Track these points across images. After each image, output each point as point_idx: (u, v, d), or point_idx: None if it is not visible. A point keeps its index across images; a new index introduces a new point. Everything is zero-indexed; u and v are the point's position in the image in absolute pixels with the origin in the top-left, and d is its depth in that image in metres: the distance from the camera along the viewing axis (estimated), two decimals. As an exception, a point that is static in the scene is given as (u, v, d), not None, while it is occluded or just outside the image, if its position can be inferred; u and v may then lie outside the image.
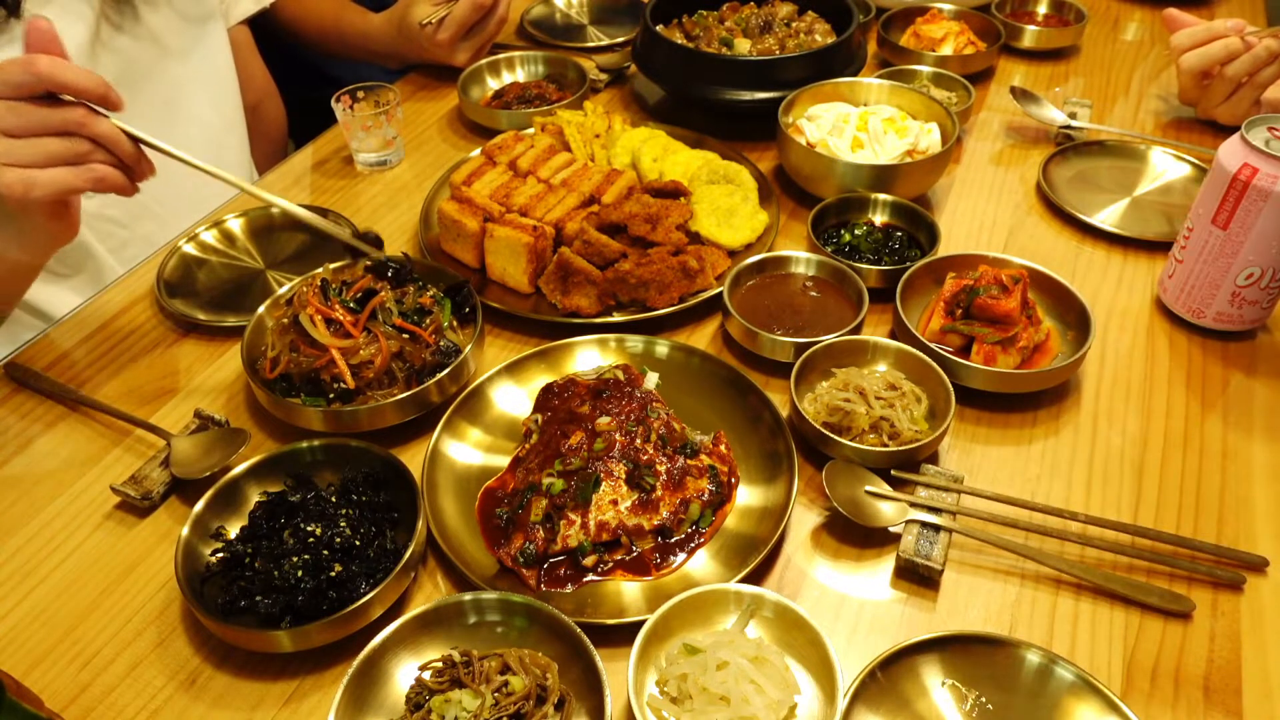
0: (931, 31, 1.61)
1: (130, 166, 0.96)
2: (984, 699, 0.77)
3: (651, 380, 1.02)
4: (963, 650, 0.78)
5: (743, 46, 1.50)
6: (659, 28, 1.52)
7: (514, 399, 1.04)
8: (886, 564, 0.89)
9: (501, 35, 1.71)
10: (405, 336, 1.02)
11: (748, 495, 0.94)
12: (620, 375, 1.00)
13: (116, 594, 0.89)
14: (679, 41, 1.51)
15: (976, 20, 1.65)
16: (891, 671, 0.77)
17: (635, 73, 1.62)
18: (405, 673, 0.79)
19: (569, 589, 0.87)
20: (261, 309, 1.09)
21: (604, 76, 1.62)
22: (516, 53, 1.65)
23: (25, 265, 1.08)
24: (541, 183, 1.25)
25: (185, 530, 0.86)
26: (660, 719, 0.75)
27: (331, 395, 1.00)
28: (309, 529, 0.85)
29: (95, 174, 0.93)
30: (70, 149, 0.91)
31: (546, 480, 0.90)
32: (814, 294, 1.14)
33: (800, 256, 1.17)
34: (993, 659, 0.78)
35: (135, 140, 0.95)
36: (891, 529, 0.91)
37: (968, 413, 1.03)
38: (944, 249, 1.17)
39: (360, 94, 1.41)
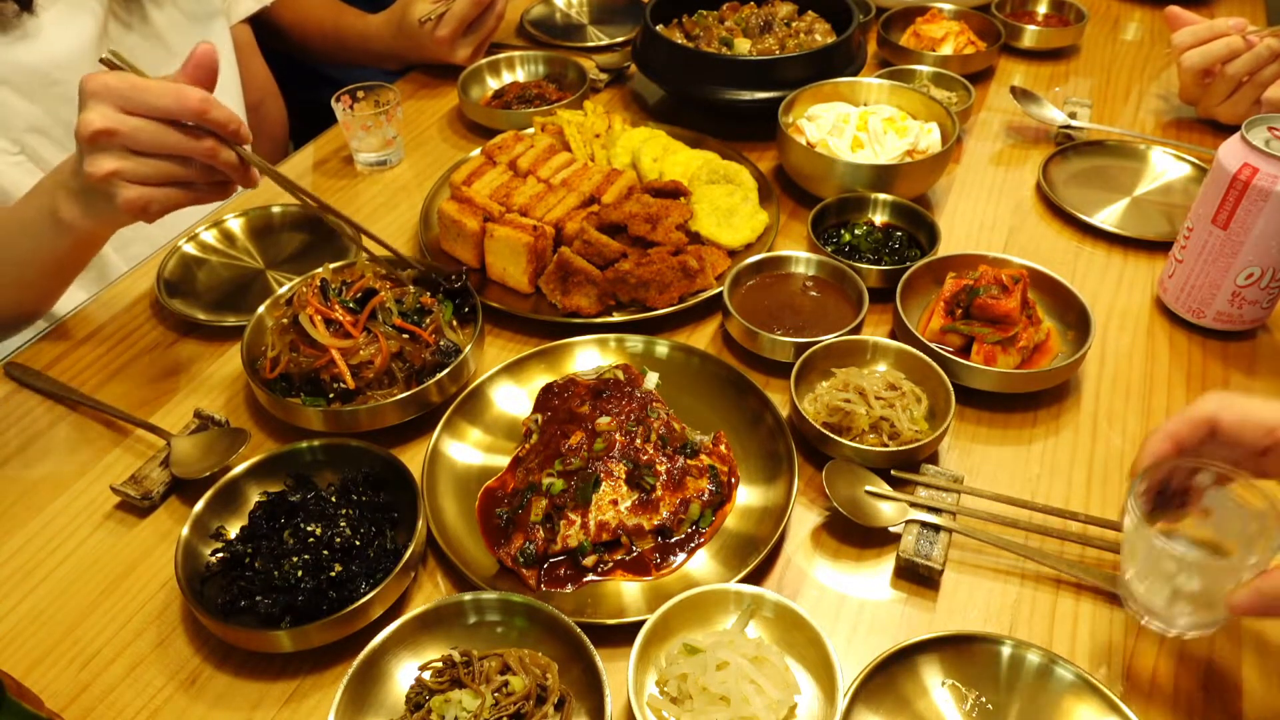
0: (931, 31, 1.61)
1: (227, 181, 0.98)
2: (984, 699, 0.77)
3: (651, 380, 1.02)
4: (963, 650, 0.78)
5: (743, 46, 1.50)
6: (659, 28, 1.52)
7: (514, 399, 1.04)
8: (886, 564, 0.89)
9: (501, 35, 1.72)
10: (405, 336, 1.03)
11: (748, 495, 0.94)
12: (620, 375, 1.00)
13: (116, 594, 0.89)
14: (679, 41, 1.51)
15: (976, 20, 1.65)
16: (891, 671, 0.77)
17: (635, 73, 1.62)
18: (405, 673, 0.79)
19: (569, 589, 0.87)
20: (261, 309, 1.09)
21: (604, 76, 1.62)
22: (516, 52, 1.65)
23: (93, 235, 1.09)
24: (541, 183, 1.25)
25: (185, 530, 0.86)
26: (660, 719, 0.75)
27: (331, 395, 1.00)
28: (309, 529, 0.85)
29: (205, 197, 0.96)
30: (190, 175, 0.93)
31: (546, 480, 0.90)
32: (814, 294, 1.14)
33: (800, 256, 1.17)
34: (993, 659, 0.78)
35: (245, 162, 0.96)
36: (891, 529, 0.91)
37: (968, 413, 1.03)
38: (944, 249, 1.17)
39: (360, 94, 1.41)
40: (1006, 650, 0.78)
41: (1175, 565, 0.69)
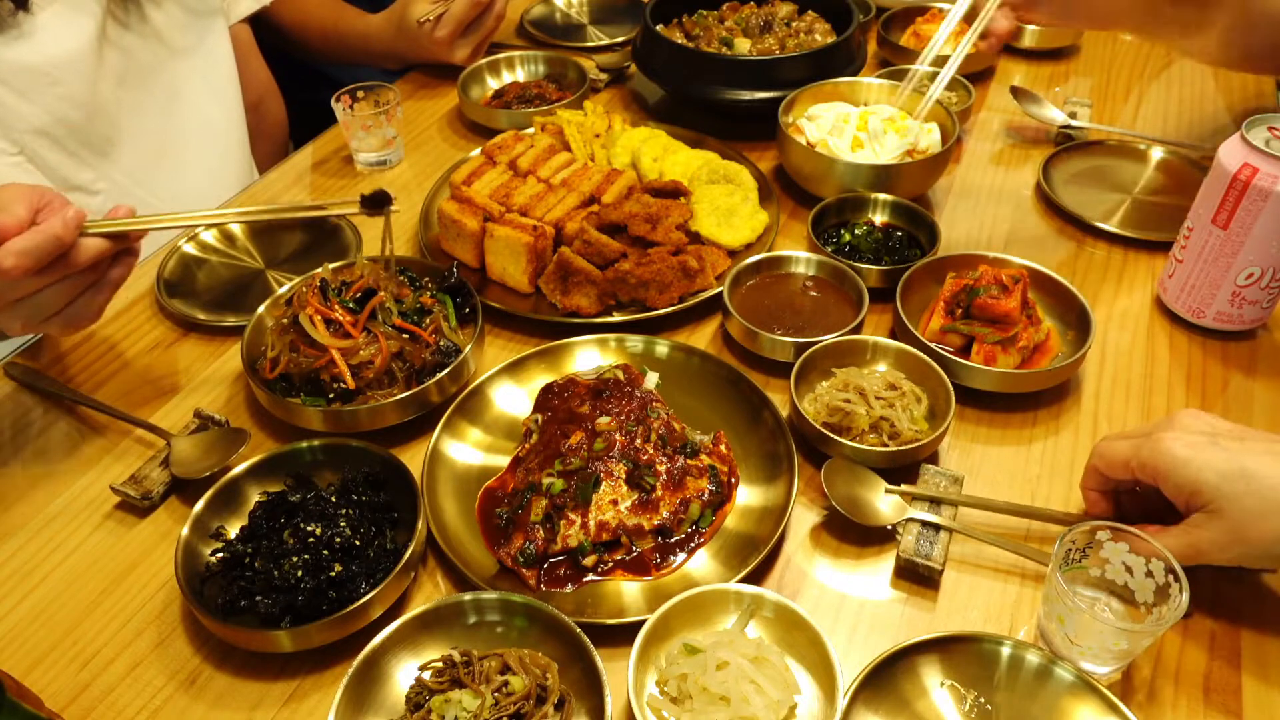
0: (931, 31, 1.61)
1: (127, 248, 0.95)
2: (983, 699, 0.77)
3: (651, 380, 1.02)
4: (962, 650, 0.78)
5: (743, 46, 1.50)
6: (659, 27, 1.52)
7: (514, 399, 1.04)
8: (886, 564, 0.89)
9: (501, 35, 1.71)
10: (405, 336, 1.03)
11: (748, 495, 0.94)
12: (620, 375, 1.00)
13: (116, 594, 0.89)
14: (679, 41, 1.51)
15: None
16: (891, 671, 0.77)
17: (635, 73, 1.62)
18: (405, 673, 0.79)
19: (569, 589, 0.87)
20: (261, 309, 1.09)
21: (604, 76, 1.62)
22: (516, 52, 1.65)
23: None
24: (541, 182, 1.25)
25: (185, 530, 0.87)
26: (660, 719, 0.75)
27: (331, 395, 1.00)
28: (309, 529, 0.85)
29: (114, 282, 0.94)
30: (72, 288, 0.91)
31: (546, 480, 0.90)
32: (814, 294, 1.14)
33: (800, 256, 1.17)
34: (992, 659, 0.78)
35: (111, 235, 0.91)
36: (891, 528, 0.91)
37: (968, 413, 1.03)
38: (944, 249, 1.17)
39: (360, 93, 1.41)
40: (1006, 650, 0.78)
41: (1104, 628, 0.74)
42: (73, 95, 1.25)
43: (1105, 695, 0.74)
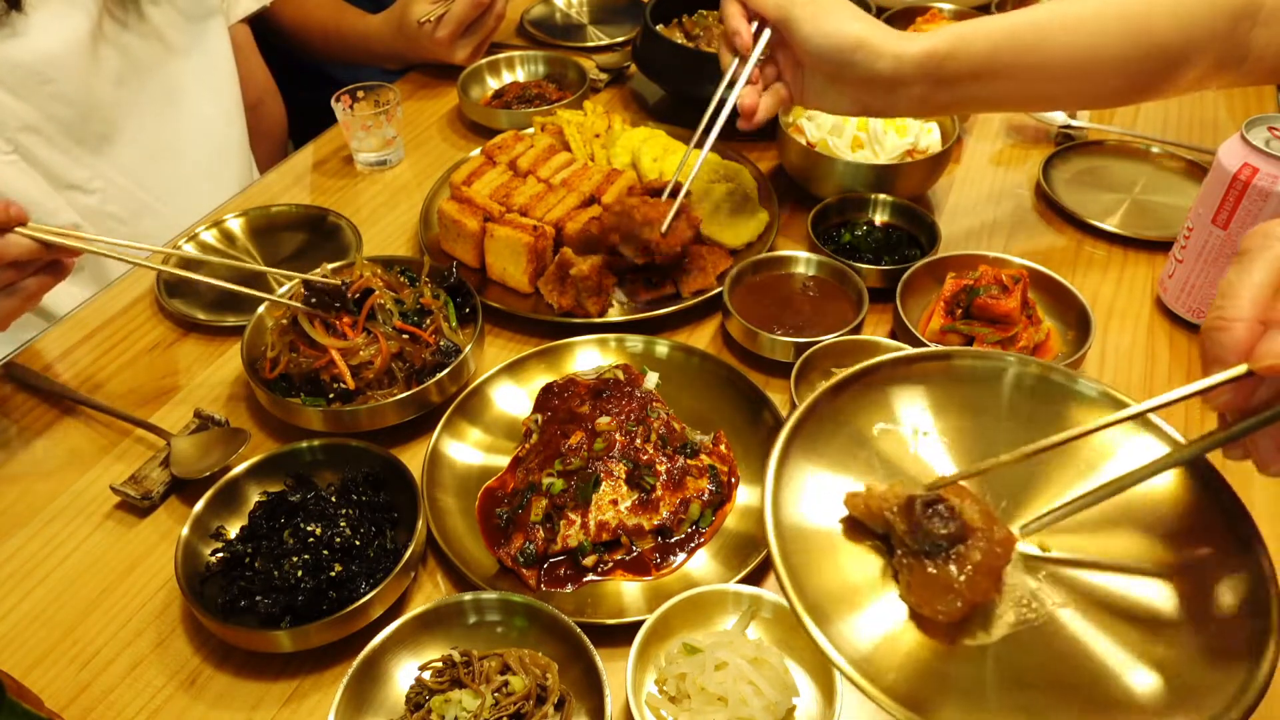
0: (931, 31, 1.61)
1: (56, 262, 0.95)
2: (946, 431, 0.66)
3: (651, 380, 1.02)
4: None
5: (743, 46, 1.49)
6: (659, 27, 1.52)
7: (514, 399, 1.04)
8: (886, 564, 0.89)
9: (501, 35, 1.71)
10: (405, 337, 1.03)
11: (748, 495, 0.94)
12: (620, 375, 1.00)
13: (116, 594, 0.89)
14: (679, 41, 1.51)
15: (976, 20, 1.65)
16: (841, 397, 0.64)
17: (635, 73, 1.62)
18: (405, 673, 0.79)
19: (569, 589, 0.87)
20: (261, 309, 1.09)
21: (604, 76, 1.62)
22: (516, 52, 1.65)
23: None
24: (541, 182, 1.25)
25: (185, 530, 0.87)
26: (658, 717, 0.75)
27: (331, 395, 1.00)
28: (309, 529, 0.85)
29: (29, 292, 0.94)
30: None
31: (546, 480, 0.90)
32: (814, 294, 1.14)
33: (800, 256, 1.17)
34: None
35: (45, 243, 0.91)
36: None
37: (968, 413, 1.02)
38: (944, 249, 1.17)
39: (360, 93, 1.41)
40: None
41: None
42: (65, 93, 1.25)
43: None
